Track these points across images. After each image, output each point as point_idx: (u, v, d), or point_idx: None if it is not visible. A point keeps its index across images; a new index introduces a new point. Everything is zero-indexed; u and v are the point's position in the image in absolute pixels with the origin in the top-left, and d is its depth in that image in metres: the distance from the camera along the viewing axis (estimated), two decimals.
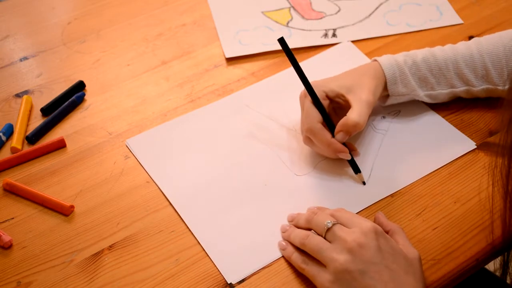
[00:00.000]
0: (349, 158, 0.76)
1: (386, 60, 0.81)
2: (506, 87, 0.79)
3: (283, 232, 0.71)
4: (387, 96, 0.82)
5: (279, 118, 0.86)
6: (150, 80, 0.93)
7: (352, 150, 0.78)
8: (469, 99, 0.84)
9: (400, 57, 0.81)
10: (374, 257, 0.62)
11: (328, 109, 0.78)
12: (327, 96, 0.78)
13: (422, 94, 0.82)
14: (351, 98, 0.76)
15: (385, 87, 0.81)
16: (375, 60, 0.82)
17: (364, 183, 0.76)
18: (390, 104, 0.84)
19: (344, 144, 0.76)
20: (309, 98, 0.77)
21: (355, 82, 0.78)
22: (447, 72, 0.81)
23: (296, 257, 0.68)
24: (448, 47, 0.83)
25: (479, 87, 0.81)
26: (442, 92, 0.82)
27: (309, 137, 0.77)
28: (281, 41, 0.76)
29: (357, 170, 0.76)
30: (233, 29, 1.01)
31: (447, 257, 0.69)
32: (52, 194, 0.78)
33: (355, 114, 0.74)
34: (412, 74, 0.81)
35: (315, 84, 0.78)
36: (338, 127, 0.75)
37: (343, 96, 0.77)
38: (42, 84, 0.93)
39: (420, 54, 0.81)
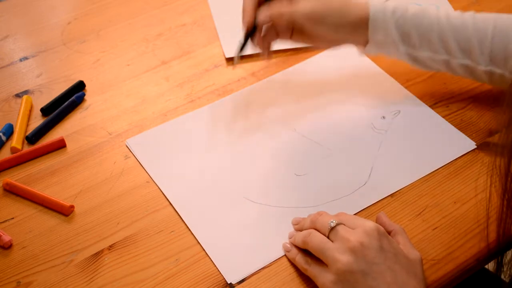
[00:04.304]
0: (245, 32, 0.79)
1: (377, 2, 0.80)
2: (485, 67, 0.78)
3: (290, 238, 0.71)
4: (366, 42, 0.81)
5: (279, 118, 0.86)
6: (150, 80, 0.93)
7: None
8: (468, 98, 0.83)
9: (391, 4, 0.80)
10: (377, 257, 0.62)
11: None
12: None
13: (402, 50, 0.80)
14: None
15: (364, 29, 0.80)
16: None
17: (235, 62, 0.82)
18: (369, 54, 0.83)
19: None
20: None
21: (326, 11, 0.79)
22: (431, 34, 0.79)
23: (299, 258, 0.68)
24: (444, 12, 0.80)
25: (459, 60, 0.79)
26: (422, 55, 0.80)
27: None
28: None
29: (240, 52, 0.81)
30: (233, 29, 1.00)
31: (447, 257, 0.69)
32: (52, 194, 0.78)
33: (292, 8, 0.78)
34: (397, 26, 0.79)
35: None
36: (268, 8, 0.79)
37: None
38: (42, 84, 0.93)
39: (412, 8, 0.80)
